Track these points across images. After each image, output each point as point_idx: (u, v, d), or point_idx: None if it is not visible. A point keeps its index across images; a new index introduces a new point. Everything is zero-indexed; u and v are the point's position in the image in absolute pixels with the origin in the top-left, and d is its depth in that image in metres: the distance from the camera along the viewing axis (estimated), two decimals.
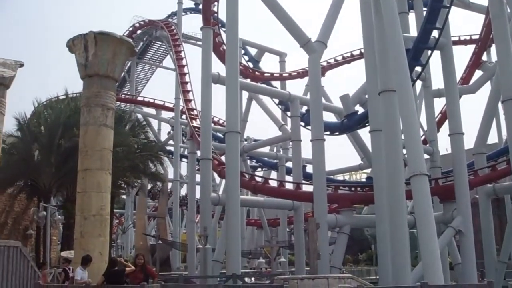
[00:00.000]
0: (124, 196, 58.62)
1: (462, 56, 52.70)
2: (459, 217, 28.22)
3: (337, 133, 37.26)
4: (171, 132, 58.46)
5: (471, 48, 45.40)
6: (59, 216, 33.78)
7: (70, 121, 28.82)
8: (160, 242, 40.21)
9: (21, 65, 19.89)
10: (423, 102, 36.83)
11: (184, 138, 55.31)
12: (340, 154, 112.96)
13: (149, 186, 49.62)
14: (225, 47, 31.11)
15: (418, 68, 28.44)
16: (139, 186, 42.47)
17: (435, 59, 30.40)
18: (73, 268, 15.46)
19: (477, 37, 44.65)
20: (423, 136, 34.13)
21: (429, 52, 27.36)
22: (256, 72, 43.38)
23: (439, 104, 40.45)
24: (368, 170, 44.90)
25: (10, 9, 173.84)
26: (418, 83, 35.04)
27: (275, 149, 48.88)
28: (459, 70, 40.54)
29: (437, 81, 35.37)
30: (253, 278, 30.24)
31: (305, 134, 35.97)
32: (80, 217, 15.68)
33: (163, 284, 13.61)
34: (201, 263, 30.98)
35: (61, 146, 28.92)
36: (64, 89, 39.13)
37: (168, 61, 64.00)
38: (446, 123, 32.56)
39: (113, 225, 43.40)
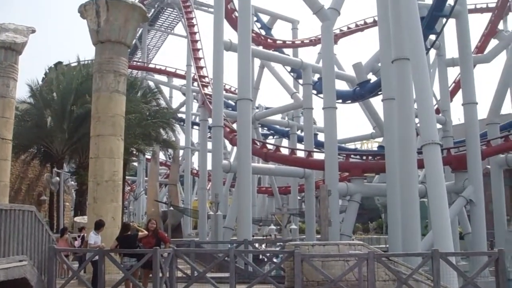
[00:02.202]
0: (136, 164, 59.02)
1: (477, 24, 52.05)
2: (470, 187, 28.22)
3: (349, 101, 37.13)
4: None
5: (487, 16, 44.85)
6: (72, 182, 34.10)
7: (82, 88, 28.84)
8: (171, 208, 40.56)
9: (33, 31, 19.83)
10: (436, 71, 36.55)
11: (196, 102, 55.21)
12: (352, 122, 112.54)
13: (161, 153, 49.83)
14: (237, 14, 30.85)
15: (432, 37, 28.07)
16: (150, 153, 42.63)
17: (450, 27, 30.02)
18: (86, 233, 15.67)
19: (493, 5, 43.93)
20: (436, 106, 33.92)
21: (444, 20, 27.01)
22: (268, 40, 43.08)
23: (453, 73, 40.11)
24: (380, 139, 44.85)
25: None
26: (432, 52, 34.68)
27: (286, 117, 48.79)
28: (474, 39, 40.09)
29: (452, 50, 35.02)
30: (263, 245, 30.50)
31: (317, 102, 35.89)
32: (92, 183, 15.76)
33: (176, 248, 13.74)
34: (212, 229, 31.30)
35: (74, 112, 29.00)
36: (76, 56, 39.25)
37: (180, 28, 63.82)
38: (460, 92, 32.31)
39: (125, 191, 43.75)
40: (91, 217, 15.32)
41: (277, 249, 25.37)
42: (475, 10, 47.18)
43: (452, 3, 26.39)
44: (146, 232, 13.34)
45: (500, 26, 43.74)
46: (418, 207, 22.14)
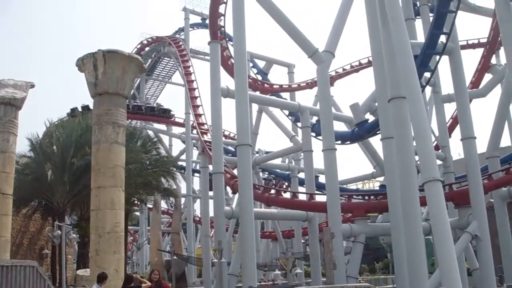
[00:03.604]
0: (138, 213, 58.74)
1: (470, 60, 52.67)
2: (475, 222, 27.99)
3: (348, 142, 37.16)
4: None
5: (479, 51, 45.27)
6: (74, 235, 33.90)
7: (81, 140, 29.03)
8: (175, 257, 40.15)
9: (32, 86, 20.10)
10: (433, 108, 36.71)
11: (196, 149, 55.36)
12: (352, 163, 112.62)
13: (163, 202, 49.71)
14: (233, 61, 31.18)
15: (427, 74, 28.35)
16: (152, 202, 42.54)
17: (443, 64, 30.34)
18: (89, 286, 15.50)
19: (485, 40, 44.46)
20: (435, 142, 33.96)
21: (438, 57, 27.28)
22: (265, 84, 43.47)
23: (450, 109, 40.32)
24: (381, 178, 44.71)
25: (19, 29, 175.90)
26: (428, 89, 34.94)
27: (287, 161, 48.78)
28: (468, 74, 40.44)
29: (447, 86, 35.25)
30: None
31: (317, 144, 35.92)
32: (94, 235, 15.69)
33: None
34: (216, 277, 30.87)
35: (74, 164, 29.08)
36: (73, 108, 39.49)
37: (177, 77, 64.40)
38: (458, 128, 32.40)
39: (127, 242, 43.40)
40: (93, 270, 15.19)
41: None
42: (468, 46, 47.69)
43: (444, 41, 26.75)
44: (149, 284, 13.22)
45: (493, 60, 44.23)
46: (424, 245, 21.91)
